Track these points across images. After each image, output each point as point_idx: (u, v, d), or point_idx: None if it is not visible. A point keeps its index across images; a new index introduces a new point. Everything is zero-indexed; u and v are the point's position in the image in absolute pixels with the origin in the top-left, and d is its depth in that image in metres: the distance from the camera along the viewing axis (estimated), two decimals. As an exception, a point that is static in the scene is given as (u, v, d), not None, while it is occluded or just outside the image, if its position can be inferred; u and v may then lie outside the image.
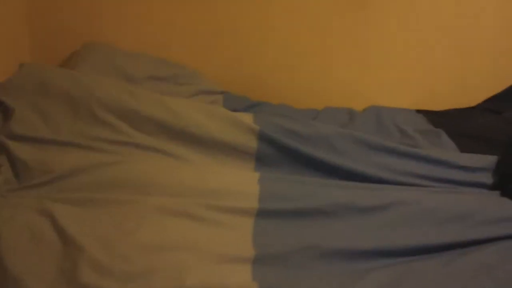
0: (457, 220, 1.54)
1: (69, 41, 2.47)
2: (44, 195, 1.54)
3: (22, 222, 1.38)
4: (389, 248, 1.42)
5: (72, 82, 1.90)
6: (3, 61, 2.20)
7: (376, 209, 1.57)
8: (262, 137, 1.87)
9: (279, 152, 1.86)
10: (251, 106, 2.39)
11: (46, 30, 2.48)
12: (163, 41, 2.53)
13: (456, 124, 2.33)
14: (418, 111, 2.55)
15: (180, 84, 2.39)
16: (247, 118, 1.95)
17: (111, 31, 2.49)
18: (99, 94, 1.88)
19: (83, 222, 1.41)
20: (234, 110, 2.08)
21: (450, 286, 1.29)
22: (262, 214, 1.54)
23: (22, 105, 1.83)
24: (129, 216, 1.45)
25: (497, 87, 2.58)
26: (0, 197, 1.51)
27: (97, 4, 2.43)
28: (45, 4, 2.42)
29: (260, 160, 1.87)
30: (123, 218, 1.44)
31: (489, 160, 1.87)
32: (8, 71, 1.96)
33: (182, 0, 2.43)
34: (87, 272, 1.23)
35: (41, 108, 1.85)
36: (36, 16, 2.44)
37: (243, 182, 1.68)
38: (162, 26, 2.49)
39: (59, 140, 1.76)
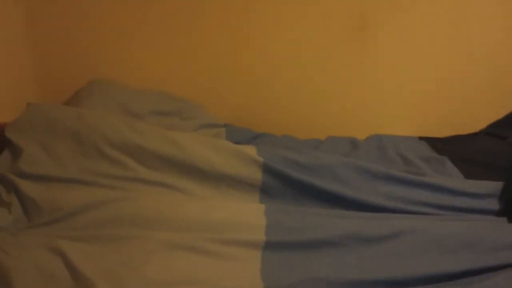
0: (466, 248, 1.53)
1: (74, 79, 2.50)
2: (54, 232, 1.55)
3: (33, 260, 1.38)
4: (398, 278, 1.41)
5: (78, 120, 1.93)
6: (11, 101, 2.24)
7: (383, 238, 1.56)
8: (266, 169, 1.88)
9: (284, 183, 1.87)
10: (254, 138, 2.41)
11: (51, 69, 2.52)
12: (166, 77, 2.56)
13: (460, 150, 2.34)
14: (421, 138, 2.55)
15: (184, 118, 2.41)
16: (250, 150, 1.96)
17: (115, 68, 2.53)
18: (104, 131, 1.91)
19: (92, 258, 1.42)
20: (237, 143, 2.09)
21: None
22: (270, 246, 1.54)
23: (30, 144, 1.86)
24: (137, 252, 1.46)
25: (500, 112, 2.59)
26: (10, 236, 1.51)
27: (101, 43, 2.48)
28: (50, 43, 2.46)
29: (265, 192, 1.88)
30: (131, 254, 1.46)
31: (495, 186, 1.87)
32: (16, 111, 1.99)
33: (185, 37, 2.47)
34: (98, 308, 1.24)
35: (49, 146, 1.87)
36: (41, 55, 2.48)
37: (249, 214, 1.69)
38: (165, 62, 2.53)
39: (67, 178, 1.79)
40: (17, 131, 1.89)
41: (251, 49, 2.51)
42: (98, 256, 1.43)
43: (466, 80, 2.55)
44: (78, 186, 1.77)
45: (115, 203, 1.67)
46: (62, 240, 1.48)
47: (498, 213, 1.80)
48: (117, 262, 1.42)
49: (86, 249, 1.46)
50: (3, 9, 2.20)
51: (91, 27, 2.46)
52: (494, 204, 1.81)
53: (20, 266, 1.36)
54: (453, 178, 2.04)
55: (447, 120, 2.64)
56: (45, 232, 1.56)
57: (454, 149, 2.35)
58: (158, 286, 1.34)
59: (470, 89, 2.57)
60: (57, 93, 2.52)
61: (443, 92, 2.58)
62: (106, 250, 1.47)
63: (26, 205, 1.66)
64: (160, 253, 1.46)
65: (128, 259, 1.43)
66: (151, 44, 2.49)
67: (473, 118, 2.62)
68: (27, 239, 1.50)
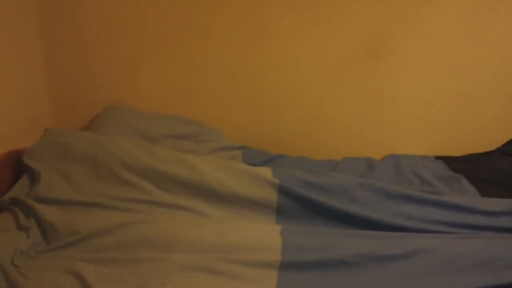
0: (483, 266, 1.53)
1: (90, 105, 2.54)
2: (72, 255, 1.57)
3: (52, 282, 1.40)
4: (413, 297, 1.41)
5: (94, 145, 1.97)
6: (28, 127, 2.27)
7: (399, 257, 1.56)
8: (282, 190, 1.89)
9: (299, 204, 1.88)
10: (269, 160, 2.41)
11: (67, 96, 2.56)
12: (182, 101, 2.58)
13: (476, 169, 2.33)
14: (437, 158, 2.55)
15: (199, 141, 2.43)
16: (266, 172, 1.97)
17: (130, 94, 2.56)
18: (120, 155, 1.94)
19: (110, 281, 1.43)
20: (253, 165, 2.10)
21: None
22: (286, 266, 1.54)
23: (47, 169, 1.89)
24: (154, 274, 1.47)
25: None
26: (29, 259, 1.54)
27: (116, 69, 2.51)
28: (66, 71, 2.51)
29: (281, 213, 1.88)
30: (148, 276, 1.46)
31: (511, 203, 1.86)
32: (33, 137, 2.02)
33: (199, 60, 2.50)
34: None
35: (66, 171, 1.90)
36: (58, 84, 2.53)
37: (265, 235, 1.69)
38: (180, 86, 2.55)
39: (84, 201, 1.81)
40: (35, 157, 1.92)
41: (265, 73, 2.52)
42: (116, 279, 1.45)
43: (480, 99, 2.54)
44: (95, 209, 1.79)
45: (133, 226, 1.68)
46: (80, 262, 1.50)
47: (515, 231, 1.79)
48: (134, 285, 1.43)
49: (104, 271, 1.48)
50: (22, 40, 2.26)
51: (105, 56, 2.50)
52: (510, 222, 1.80)
53: (39, 288, 1.37)
54: (469, 196, 2.03)
55: (462, 139, 2.62)
56: (63, 255, 1.58)
57: (470, 167, 2.34)
58: (175, 308, 1.35)
59: (484, 108, 2.56)
60: (73, 119, 2.56)
61: (457, 111, 2.57)
62: (124, 272, 1.48)
63: (45, 229, 1.68)
64: (177, 275, 1.47)
65: (145, 281, 1.44)
66: (164, 70, 2.52)
67: (488, 137, 2.60)
68: (45, 262, 1.53)
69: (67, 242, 1.62)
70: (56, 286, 1.39)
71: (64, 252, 1.60)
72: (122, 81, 2.55)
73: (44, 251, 1.61)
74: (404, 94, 2.55)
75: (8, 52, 2.13)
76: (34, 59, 2.40)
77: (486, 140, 2.60)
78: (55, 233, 1.66)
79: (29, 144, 1.97)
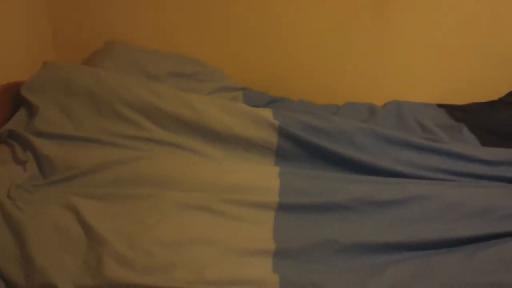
0: (479, 214, 1.54)
1: (91, 40, 2.50)
2: (68, 190, 1.57)
3: (48, 216, 1.41)
4: (409, 241, 1.43)
5: (94, 80, 1.93)
6: (27, 60, 2.24)
7: (396, 203, 1.57)
8: (282, 132, 1.88)
9: (299, 147, 1.87)
10: (271, 102, 2.39)
11: (68, 29, 2.51)
12: (184, 39, 2.54)
13: (478, 118, 2.32)
14: (440, 106, 2.52)
15: (201, 81, 2.40)
16: (266, 113, 1.95)
17: (132, 29, 2.51)
18: (121, 91, 1.91)
19: (107, 217, 1.44)
20: (254, 106, 2.08)
21: (470, 280, 1.29)
22: (283, 208, 1.55)
23: (46, 103, 1.86)
24: (150, 211, 1.48)
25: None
26: (26, 193, 1.54)
27: (119, 3, 2.46)
28: (67, 4, 2.45)
29: (280, 155, 1.88)
30: (144, 213, 1.47)
31: (511, 153, 1.85)
32: (32, 70, 1.99)
33: (203, 0, 2.45)
34: (110, 265, 1.26)
35: (65, 105, 1.88)
36: (59, 16, 2.47)
37: (264, 176, 1.69)
38: (183, 24, 2.51)
39: (82, 137, 1.80)
40: (33, 90, 1.89)
41: (271, 14, 2.47)
42: (112, 214, 1.46)
43: (486, 47, 2.51)
44: (93, 145, 1.78)
45: (130, 163, 1.68)
46: (76, 197, 1.50)
47: (513, 181, 1.79)
48: (131, 221, 1.44)
49: (100, 207, 1.48)
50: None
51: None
52: (510, 172, 1.80)
53: (34, 222, 1.38)
54: (469, 145, 2.02)
55: (466, 88, 2.60)
56: (59, 190, 1.58)
57: (472, 116, 2.33)
58: (170, 245, 1.36)
59: (490, 57, 2.53)
60: (73, 53, 2.52)
61: (462, 59, 2.54)
62: (120, 208, 1.49)
63: (41, 163, 1.67)
64: (173, 213, 1.48)
65: (141, 218, 1.45)
66: (170, 5, 2.47)
67: (493, 86, 2.58)
68: (42, 196, 1.53)
69: (64, 177, 1.62)
70: (52, 220, 1.40)
71: (60, 186, 1.60)
72: (124, 17, 2.50)
73: (40, 185, 1.60)
74: (410, 41, 2.51)
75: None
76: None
77: (490, 90, 2.57)
78: (52, 167, 1.65)
79: (26, 78, 1.94)
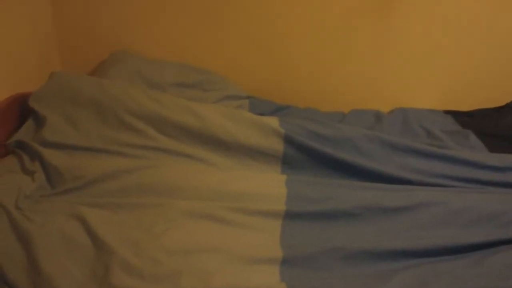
0: (485, 221, 1.53)
1: (97, 51, 2.52)
2: (76, 199, 1.58)
3: (55, 225, 1.42)
4: (416, 248, 1.42)
5: (100, 90, 1.95)
6: (34, 71, 2.26)
7: (402, 210, 1.57)
8: (288, 140, 1.88)
9: (305, 154, 1.87)
10: (277, 110, 2.40)
11: (75, 40, 2.52)
12: (190, 48, 2.55)
13: (484, 124, 2.31)
14: (446, 112, 2.52)
15: (206, 90, 2.40)
16: (272, 121, 1.95)
17: (138, 40, 2.53)
18: (126, 101, 1.92)
19: (114, 226, 1.45)
20: (260, 115, 2.09)
21: (478, 286, 1.29)
22: (290, 216, 1.55)
23: (53, 113, 1.88)
24: (157, 220, 1.48)
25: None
26: (34, 203, 1.55)
27: (124, 13, 2.47)
28: (74, 14, 2.47)
29: (287, 163, 1.88)
30: (151, 221, 1.48)
31: (518, 159, 1.85)
32: (40, 81, 2.01)
33: (208, 9, 2.46)
34: (118, 274, 1.27)
35: (71, 115, 1.89)
36: (65, 28, 2.49)
37: (270, 184, 1.70)
38: (188, 33, 2.52)
39: (89, 147, 1.81)
40: (41, 100, 1.91)
41: (276, 21, 2.48)
42: (119, 223, 1.46)
43: (493, 53, 2.50)
44: (100, 155, 1.79)
45: (137, 172, 1.69)
46: (83, 206, 1.51)
47: (520, 187, 1.78)
48: (137, 230, 1.45)
49: (107, 216, 1.49)
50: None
51: (113, 0, 2.46)
52: (517, 177, 1.79)
53: (43, 232, 1.39)
54: (476, 151, 2.01)
55: (473, 94, 2.60)
56: (67, 199, 1.59)
57: (479, 122, 2.33)
58: (177, 253, 1.36)
59: (497, 62, 2.52)
60: (80, 64, 2.54)
61: (468, 65, 2.54)
62: (127, 217, 1.50)
63: (49, 173, 1.68)
64: (180, 221, 1.48)
65: (148, 227, 1.46)
66: (175, 15, 2.48)
67: (500, 92, 2.57)
68: (50, 206, 1.54)
69: (72, 187, 1.63)
70: (60, 229, 1.41)
71: (68, 196, 1.61)
72: (130, 27, 2.51)
73: (48, 195, 1.61)
74: (415, 47, 2.51)
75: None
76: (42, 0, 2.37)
77: (497, 96, 2.57)
78: (60, 177, 1.66)
79: (34, 89, 1.96)
